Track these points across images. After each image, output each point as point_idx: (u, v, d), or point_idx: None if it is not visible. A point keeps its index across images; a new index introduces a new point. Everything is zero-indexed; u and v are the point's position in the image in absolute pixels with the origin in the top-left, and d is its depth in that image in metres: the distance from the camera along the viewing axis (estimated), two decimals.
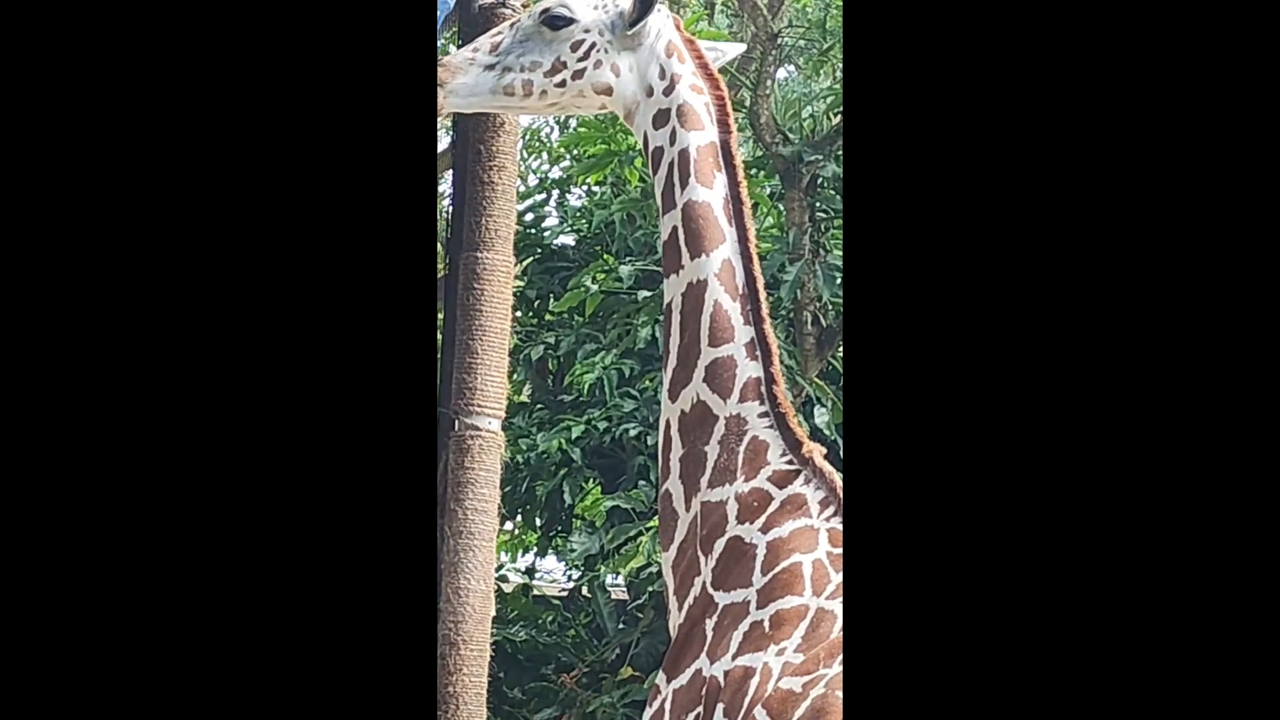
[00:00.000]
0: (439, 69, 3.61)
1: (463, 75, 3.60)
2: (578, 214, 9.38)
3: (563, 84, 3.52)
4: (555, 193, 9.46)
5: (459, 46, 4.34)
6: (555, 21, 3.51)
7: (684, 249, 3.41)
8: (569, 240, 9.13)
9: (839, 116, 9.54)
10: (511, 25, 3.67)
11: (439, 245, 5.55)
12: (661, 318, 3.53)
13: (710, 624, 3.30)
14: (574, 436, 8.42)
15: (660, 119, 3.50)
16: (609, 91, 3.54)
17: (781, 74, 9.37)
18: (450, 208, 4.49)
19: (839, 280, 8.93)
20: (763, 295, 3.38)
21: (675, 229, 3.44)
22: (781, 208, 8.66)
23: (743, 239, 3.43)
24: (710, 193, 3.43)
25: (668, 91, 3.52)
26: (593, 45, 3.52)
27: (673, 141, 3.46)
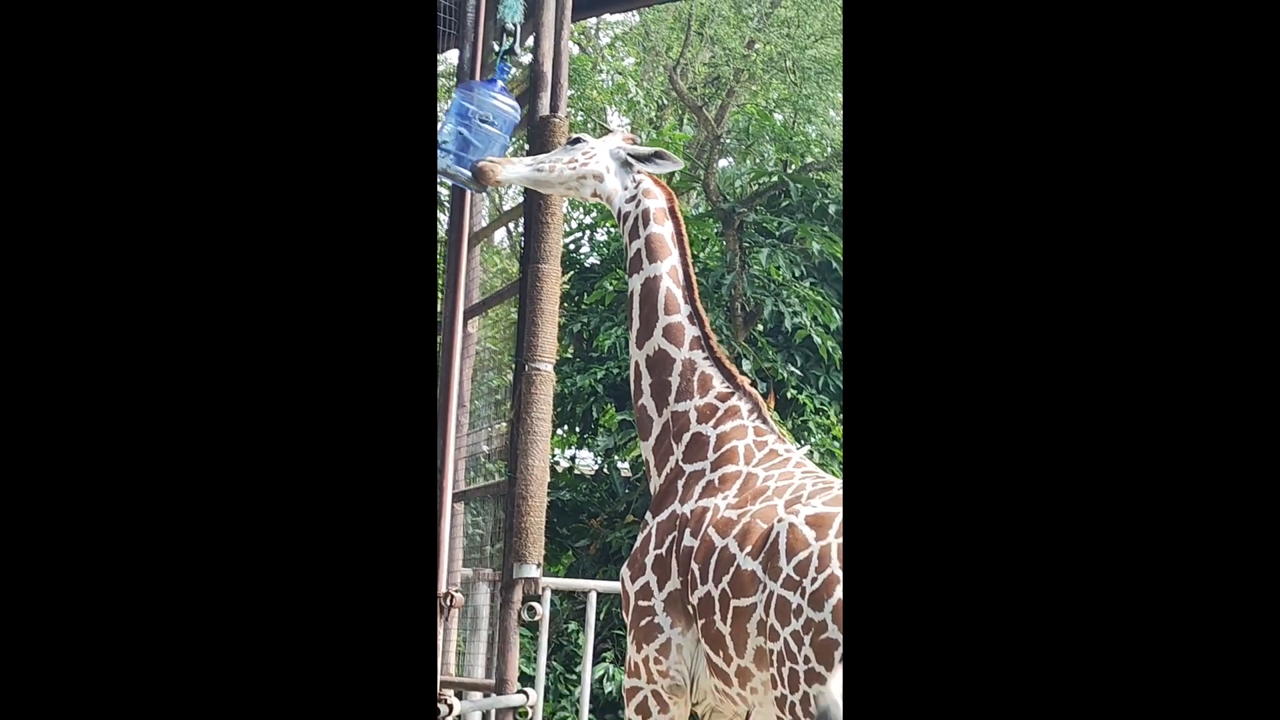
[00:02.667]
0: (495, 164, 3.61)
1: (511, 164, 3.55)
2: (601, 245, 9.37)
3: (573, 166, 3.40)
4: (588, 232, 9.47)
5: (526, 147, 4.32)
6: (574, 141, 3.49)
7: (644, 259, 3.27)
8: (595, 260, 9.19)
9: (755, 187, 9.43)
10: (549, 153, 3.64)
11: (515, 260, 4.90)
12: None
13: (680, 483, 3.15)
14: (598, 377, 8.20)
15: (630, 200, 3.34)
16: (601, 179, 3.39)
17: (723, 162, 8.99)
18: (524, 236, 4.46)
19: (758, 284, 8.65)
20: (695, 288, 3.30)
21: (640, 249, 3.29)
22: (723, 240, 8.72)
23: (683, 256, 3.28)
24: (662, 229, 3.26)
25: (635, 185, 3.36)
26: (594, 153, 3.39)
27: (637, 206, 3.31)
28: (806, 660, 2.56)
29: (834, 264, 8.56)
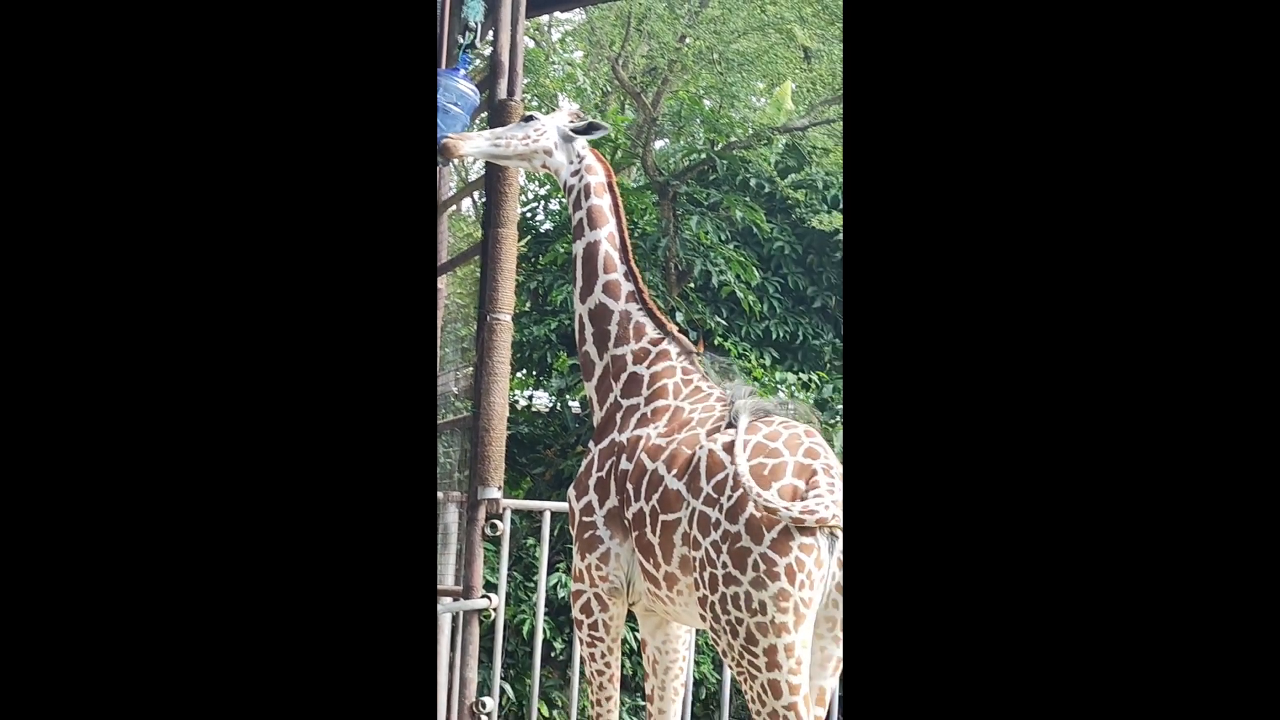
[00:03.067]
0: (458, 140, 3.47)
1: (471, 140, 3.45)
2: (554, 213, 9.27)
3: (526, 142, 3.33)
4: (542, 202, 9.30)
5: (487, 127, 4.14)
6: (526, 118, 3.43)
7: (586, 227, 3.26)
8: (549, 226, 9.16)
9: (686, 163, 9.19)
10: (505, 128, 3.55)
11: (479, 225, 4.82)
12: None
13: (619, 416, 3.13)
14: (551, 328, 8.13)
15: (574, 174, 3.30)
16: (550, 154, 3.33)
17: (659, 142, 8.97)
18: (485, 204, 4.42)
19: (689, 247, 8.48)
20: (630, 250, 3.29)
21: (582, 218, 3.27)
22: (659, 209, 8.63)
23: (619, 224, 3.26)
24: (601, 201, 3.25)
25: (579, 160, 3.31)
26: (544, 130, 3.34)
27: (580, 180, 3.28)
28: (724, 565, 2.59)
29: (754, 229, 8.54)
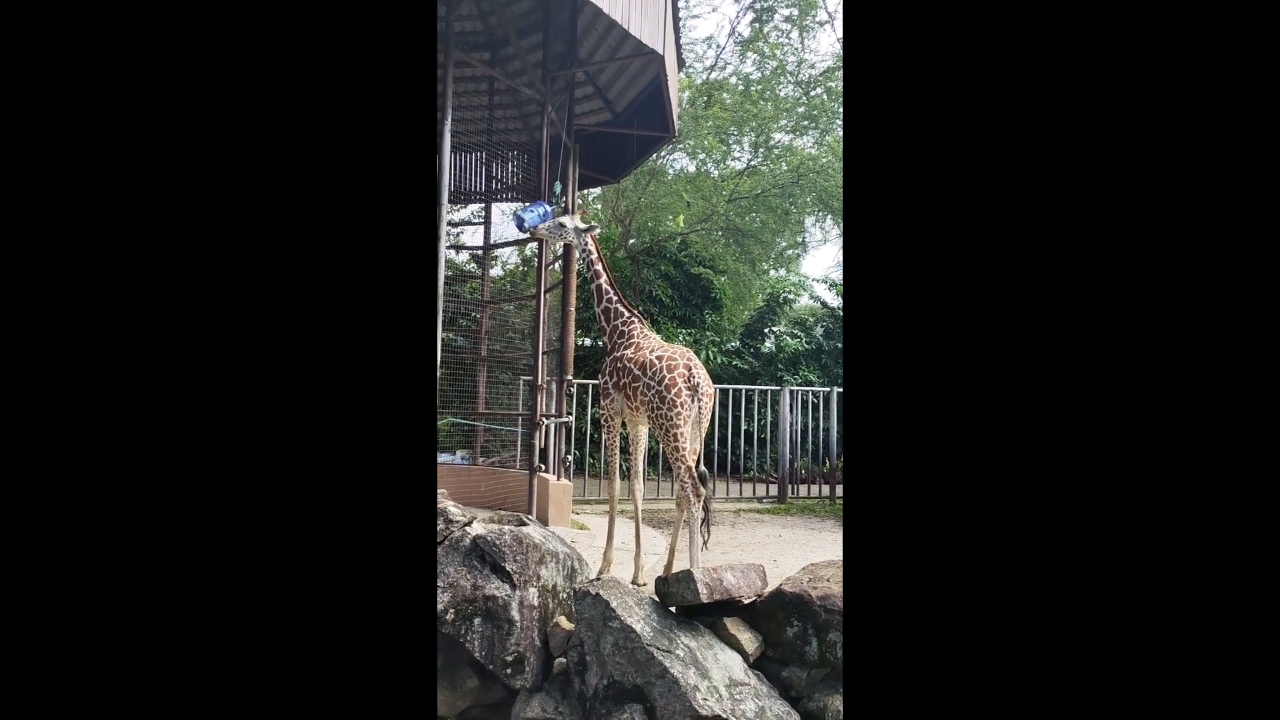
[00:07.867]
0: (538, 228, 4.03)
1: (539, 229, 3.99)
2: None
3: (560, 229, 4.01)
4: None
5: (542, 219, 4.83)
6: (560, 223, 4.05)
7: (595, 276, 3.92)
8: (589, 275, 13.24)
9: (642, 247, 14.22)
10: (552, 225, 4.18)
11: (560, 273, 6.63)
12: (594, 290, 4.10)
13: (614, 347, 3.99)
14: (590, 314, 10.91)
15: (583, 249, 3.91)
16: (573, 239, 3.98)
17: (631, 240, 15.84)
18: (563, 265, 5.83)
19: (641, 280, 13.01)
20: (615, 283, 3.87)
21: (592, 272, 3.90)
22: (630, 265, 12.87)
23: (608, 273, 3.90)
24: (599, 265, 3.97)
25: (584, 244, 3.97)
26: (568, 227, 4.00)
27: (586, 254, 3.96)
28: (657, 401, 3.38)
29: (668, 274, 15.04)
